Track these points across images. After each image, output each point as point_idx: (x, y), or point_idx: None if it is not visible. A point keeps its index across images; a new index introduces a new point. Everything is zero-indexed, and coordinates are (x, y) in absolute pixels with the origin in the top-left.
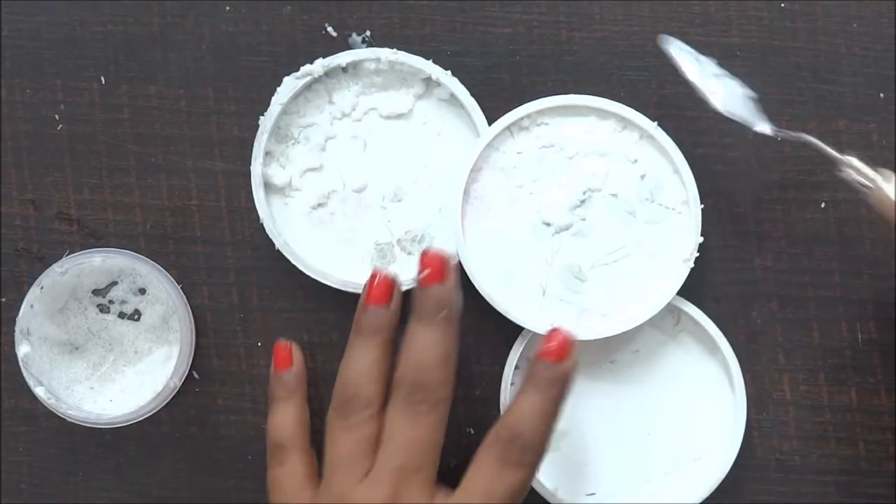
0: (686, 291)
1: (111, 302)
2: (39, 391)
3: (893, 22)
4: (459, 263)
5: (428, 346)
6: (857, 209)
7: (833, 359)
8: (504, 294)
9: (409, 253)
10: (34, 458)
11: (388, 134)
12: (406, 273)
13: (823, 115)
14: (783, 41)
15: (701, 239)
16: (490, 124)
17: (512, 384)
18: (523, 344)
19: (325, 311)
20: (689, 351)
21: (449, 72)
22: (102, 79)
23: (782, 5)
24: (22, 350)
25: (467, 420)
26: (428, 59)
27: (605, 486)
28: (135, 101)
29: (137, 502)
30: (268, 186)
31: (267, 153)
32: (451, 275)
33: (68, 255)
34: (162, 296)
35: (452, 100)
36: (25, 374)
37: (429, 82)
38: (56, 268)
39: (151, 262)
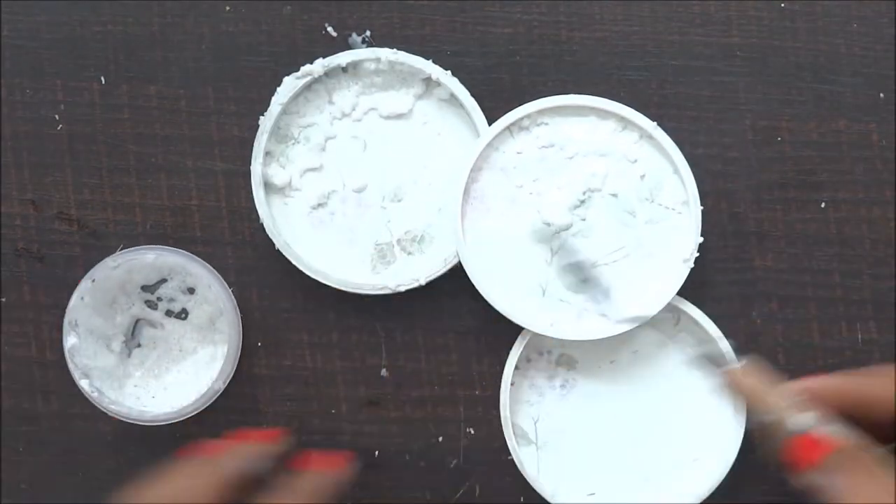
0: (686, 291)
1: (159, 299)
2: (84, 384)
3: (893, 22)
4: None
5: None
6: (857, 209)
7: (833, 359)
8: (504, 294)
9: (409, 253)
10: (34, 458)
11: (388, 134)
12: (405, 273)
13: (823, 115)
14: (783, 41)
15: (701, 239)
16: (490, 124)
17: (512, 384)
18: (523, 344)
19: (325, 311)
20: (689, 350)
21: (449, 72)
22: (102, 79)
23: (782, 5)
24: (69, 341)
25: (467, 420)
26: (428, 59)
27: (605, 487)
28: (135, 101)
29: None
30: (268, 186)
31: (267, 153)
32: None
33: (122, 249)
34: (210, 296)
35: (452, 100)
36: (70, 365)
37: (429, 82)
38: (109, 262)
39: (204, 262)
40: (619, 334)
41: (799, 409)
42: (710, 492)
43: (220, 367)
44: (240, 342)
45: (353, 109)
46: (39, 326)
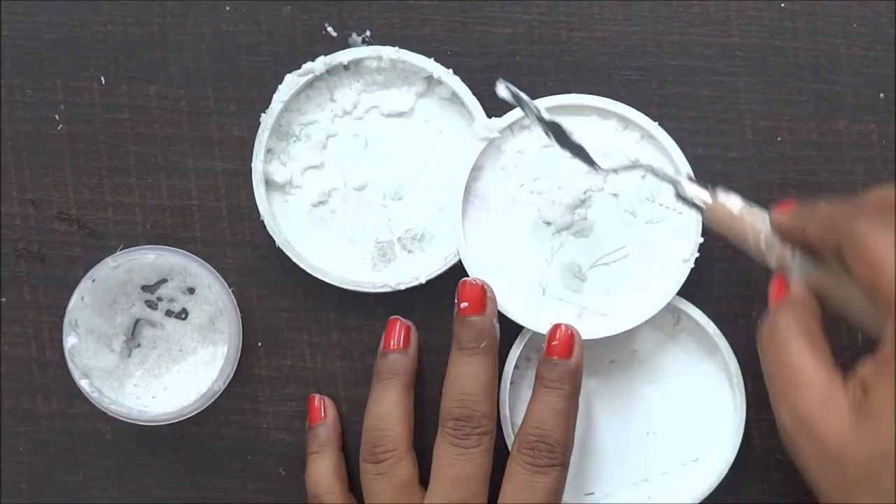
0: (686, 291)
1: (159, 299)
2: (84, 384)
3: (893, 22)
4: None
5: (471, 376)
6: None
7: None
8: (504, 293)
9: (410, 251)
10: (34, 458)
11: (389, 132)
12: (405, 272)
13: (823, 115)
14: (783, 41)
15: (701, 240)
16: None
17: (512, 383)
18: (523, 343)
19: (325, 311)
20: (689, 351)
21: (450, 70)
22: (102, 79)
23: (782, 5)
24: (69, 342)
25: None
26: (429, 58)
27: (604, 486)
28: (135, 101)
29: (137, 502)
30: (268, 184)
31: (268, 150)
32: (489, 305)
33: (122, 249)
34: (210, 296)
35: (454, 98)
36: (70, 365)
37: (430, 81)
38: (109, 261)
39: (204, 262)
40: (619, 334)
41: (770, 246)
42: (709, 492)
43: (220, 367)
44: (240, 342)
45: (355, 107)
46: (39, 326)
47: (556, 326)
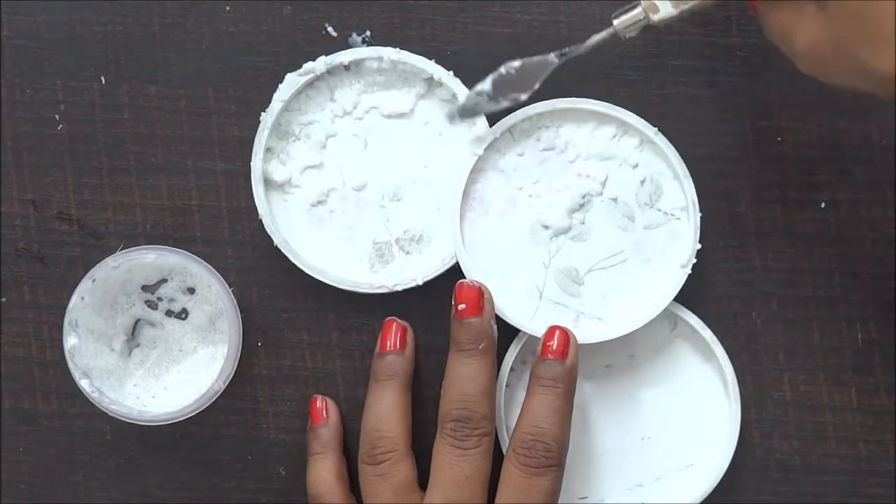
0: (685, 291)
1: (160, 299)
2: (84, 384)
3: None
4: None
5: (470, 377)
6: (857, 209)
7: (833, 359)
8: (501, 296)
9: (408, 252)
10: (34, 458)
11: (388, 133)
12: (403, 273)
13: (823, 115)
14: None
15: (699, 246)
16: (491, 126)
17: (507, 386)
18: (519, 346)
19: (324, 311)
20: (685, 357)
21: (451, 72)
22: (102, 79)
23: None
24: (69, 342)
25: None
26: (429, 59)
27: (598, 491)
28: (135, 101)
29: (137, 502)
30: (268, 183)
31: (267, 149)
32: (487, 306)
33: (122, 249)
34: (210, 296)
35: (454, 100)
36: (71, 365)
37: (430, 82)
38: (109, 261)
39: (204, 262)
40: (615, 339)
41: None
42: (703, 498)
43: (220, 367)
44: (240, 342)
45: (355, 108)
46: (39, 326)
47: (553, 328)
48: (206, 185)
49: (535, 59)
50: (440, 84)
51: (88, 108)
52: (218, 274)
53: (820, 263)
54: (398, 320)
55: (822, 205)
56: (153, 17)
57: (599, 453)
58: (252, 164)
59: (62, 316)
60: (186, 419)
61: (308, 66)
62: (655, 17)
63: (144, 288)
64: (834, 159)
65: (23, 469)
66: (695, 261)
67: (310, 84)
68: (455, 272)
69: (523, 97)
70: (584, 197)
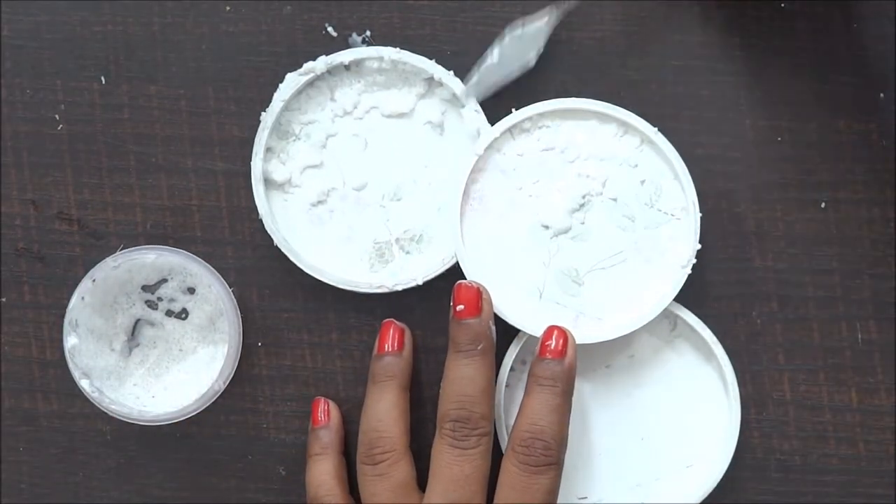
0: (685, 291)
1: (160, 299)
2: (84, 384)
3: (893, 22)
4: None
5: (469, 378)
6: (857, 209)
7: (833, 359)
8: (500, 296)
9: (408, 252)
10: (34, 458)
11: (389, 133)
12: (403, 273)
13: (823, 115)
14: (783, 41)
15: (699, 246)
16: (491, 125)
17: (507, 386)
18: (518, 346)
19: (325, 311)
20: (685, 357)
21: (451, 72)
22: (102, 79)
23: (782, 5)
24: (69, 342)
25: None
26: (429, 59)
27: (597, 491)
28: (135, 101)
29: (137, 502)
30: (268, 183)
31: (268, 149)
32: (485, 307)
33: (122, 249)
34: (210, 296)
35: (454, 100)
36: (71, 365)
37: (431, 82)
38: (110, 261)
39: (204, 262)
40: (615, 339)
41: None
42: (703, 498)
43: (220, 367)
44: (240, 342)
45: (355, 107)
46: (39, 326)
47: (551, 328)
48: (206, 185)
49: (535, 16)
50: (440, 84)
51: (88, 108)
52: (218, 274)
53: (820, 263)
54: (396, 322)
55: (822, 205)
56: (153, 17)
57: (599, 453)
58: (252, 163)
59: (62, 316)
60: (186, 419)
61: (308, 65)
62: None
63: (144, 288)
64: (834, 159)
65: (23, 469)
66: (695, 261)
67: (310, 84)
68: (455, 272)
69: (532, 60)
70: (584, 197)
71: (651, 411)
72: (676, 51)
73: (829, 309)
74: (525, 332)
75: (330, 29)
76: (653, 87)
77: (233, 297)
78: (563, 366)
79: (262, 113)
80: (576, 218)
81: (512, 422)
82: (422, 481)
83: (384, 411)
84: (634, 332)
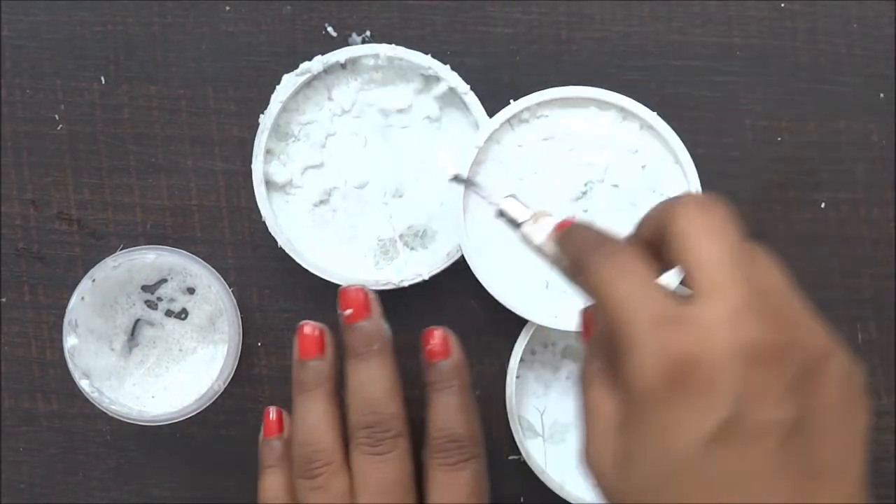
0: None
1: (159, 299)
2: (84, 384)
3: (893, 22)
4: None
5: (370, 381)
6: (857, 209)
7: None
8: (507, 287)
9: (412, 248)
10: (34, 458)
11: (388, 129)
12: (408, 269)
13: (823, 115)
14: (783, 41)
15: None
16: (490, 117)
17: (517, 377)
18: (528, 336)
19: (325, 311)
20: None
21: (448, 66)
22: (102, 79)
23: (782, 5)
24: (69, 342)
25: None
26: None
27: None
28: (135, 101)
29: (137, 502)
30: (269, 184)
31: (267, 151)
32: (374, 306)
33: (122, 249)
34: (210, 296)
35: (452, 94)
36: (71, 365)
37: (428, 77)
38: (109, 261)
39: (204, 262)
40: None
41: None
42: None
43: (220, 367)
44: (240, 342)
45: (353, 106)
46: (39, 326)
47: (429, 331)
48: (206, 185)
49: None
50: (438, 78)
51: (88, 108)
52: (218, 274)
53: (820, 263)
54: (312, 322)
55: (822, 205)
56: (153, 17)
57: None
58: (253, 166)
59: (62, 316)
60: (186, 419)
61: (305, 65)
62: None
63: (144, 288)
64: (834, 159)
65: (23, 469)
66: None
67: (307, 84)
68: (460, 265)
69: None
70: (586, 185)
71: None
72: (676, 51)
73: (829, 309)
74: (533, 323)
75: (330, 29)
76: (653, 87)
77: (233, 297)
78: (451, 363)
79: (261, 114)
80: (579, 206)
81: (523, 412)
82: None
83: (315, 424)
84: None
